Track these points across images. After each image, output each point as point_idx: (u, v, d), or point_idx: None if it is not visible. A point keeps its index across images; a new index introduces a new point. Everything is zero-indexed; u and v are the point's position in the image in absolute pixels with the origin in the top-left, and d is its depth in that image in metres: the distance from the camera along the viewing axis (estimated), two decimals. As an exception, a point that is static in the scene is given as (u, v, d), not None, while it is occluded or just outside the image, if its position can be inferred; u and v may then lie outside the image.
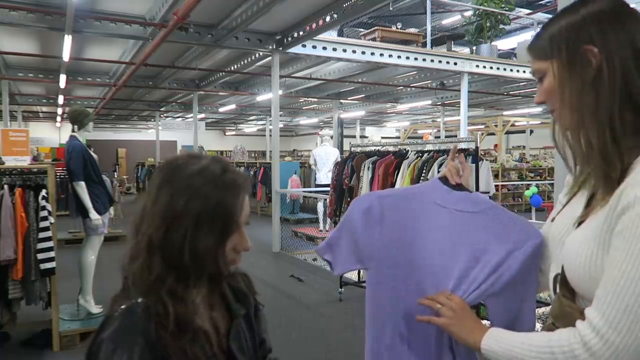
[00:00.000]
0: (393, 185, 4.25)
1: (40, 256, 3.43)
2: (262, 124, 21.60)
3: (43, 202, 3.49)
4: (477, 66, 8.74)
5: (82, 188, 3.98)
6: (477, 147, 3.98)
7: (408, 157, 4.28)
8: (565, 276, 0.94)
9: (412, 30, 9.85)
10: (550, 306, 1.00)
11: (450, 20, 14.66)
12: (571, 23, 0.93)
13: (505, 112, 15.37)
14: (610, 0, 0.92)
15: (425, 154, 4.21)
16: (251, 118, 20.04)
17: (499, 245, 1.08)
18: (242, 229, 0.95)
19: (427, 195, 1.16)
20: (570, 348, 0.84)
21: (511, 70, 9.11)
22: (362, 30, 11.70)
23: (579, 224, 0.94)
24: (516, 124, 15.56)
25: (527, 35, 11.80)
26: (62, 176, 7.92)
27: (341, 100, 13.54)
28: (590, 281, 0.87)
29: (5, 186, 3.46)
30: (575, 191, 1.06)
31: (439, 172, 3.88)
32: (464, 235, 1.10)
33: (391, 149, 4.80)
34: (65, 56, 7.46)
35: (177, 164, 0.94)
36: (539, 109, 14.68)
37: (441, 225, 1.12)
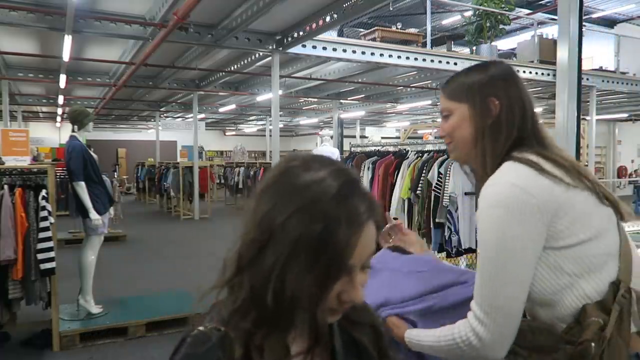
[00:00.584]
0: (393, 185, 4.25)
1: (40, 256, 3.43)
2: (262, 124, 21.58)
3: (43, 202, 3.49)
4: (477, 66, 8.72)
5: (82, 188, 3.98)
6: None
7: (408, 157, 4.28)
8: None
9: (412, 30, 9.84)
10: None
11: (450, 20, 14.66)
12: (481, 78, 1.19)
13: (505, 112, 15.33)
14: (507, 66, 1.23)
15: (425, 154, 4.20)
16: (251, 118, 20.03)
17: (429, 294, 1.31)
18: (355, 274, 0.71)
19: (386, 264, 1.38)
20: (466, 337, 1.06)
21: (511, 70, 9.09)
22: (362, 30, 11.70)
23: None
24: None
25: (527, 35, 11.79)
26: (62, 176, 7.92)
27: (341, 100, 13.52)
28: None
29: (5, 186, 3.46)
30: None
31: (439, 172, 3.88)
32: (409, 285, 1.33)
33: (391, 149, 4.80)
34: (65, 56, 7.46)
35: (290, 166, 0.74)
36: (539, 109, 14.67)
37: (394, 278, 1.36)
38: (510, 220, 1.03)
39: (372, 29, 8.81)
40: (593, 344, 0.97)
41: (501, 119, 1.15)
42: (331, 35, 7.51)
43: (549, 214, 1.04)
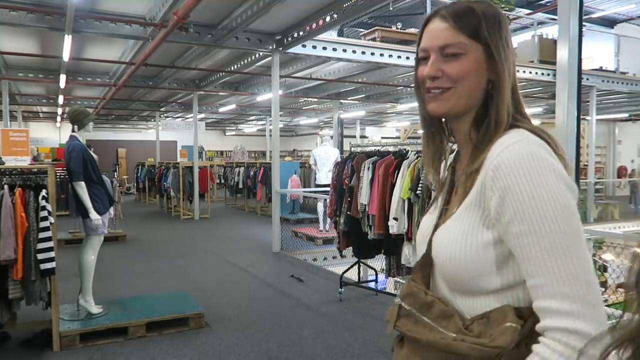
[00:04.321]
0: (393, 185, 4.25)
1: (40, 256, 3.43)
2: (262, 124, 21.59)
3: (43, 202, 3.49)
4: (477, 66, 8.74)
5: (82, 188, 3.98)
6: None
7: (408, 157, 4.27)
8: (421, 263, 0.99)
9: (412, 30, 9.84)
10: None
11: (450, 20, 14.63)
12: (497, 15, 0.94)
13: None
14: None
15: (426, 154, 4.20)
16: (251, 118, 20.03)
17: None
18: None
19: None
20: (570, 348, 0.76)
21: (511, 70, 9.10)
22: (362, 30, 11.70)
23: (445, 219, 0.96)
24: (516, 124, 15.53)
25: (527, 35, 11.78)
26: (62, 176, 7.92)
27: (341, 100, 13.53)
28: (461, 264, 0.88)
29: (6, 186, 3.46)
30: (438, 195, 1.06)
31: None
32: None
33: (391, 149, 4.80)
34: (65, 56, 7.46)
35: None
36: (539, 109, 14.68)
37: None
38: (563, 187, 0.82)
39: (372, 29, 8.82)
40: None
41: (512, 75, 0.94)
42: (331, 35, 7.52)
43: None
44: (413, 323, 0.92)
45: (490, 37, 0.92)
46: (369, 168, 4.58)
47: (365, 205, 4.51)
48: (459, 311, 0.90)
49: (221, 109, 15.66)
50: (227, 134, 27.28)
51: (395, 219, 4.13)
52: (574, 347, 0.75)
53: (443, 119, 1.02)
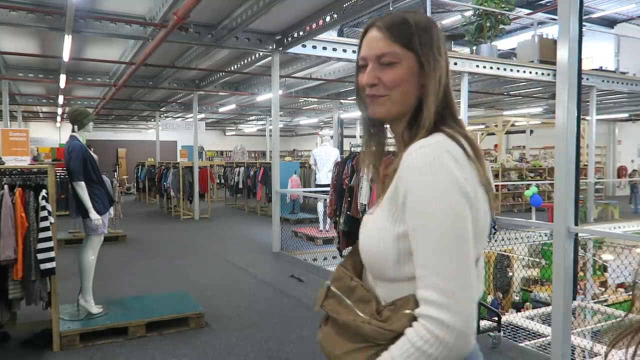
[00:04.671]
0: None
1: (40, 256, 3.43)
2: (262, 124, 21.58)
3: (43, 202, 3.49)
4: (477, 66, 8.74)
5: (82, 188, 3.98)
6: (477, 147, 3.98)
7: (408, 157, 4.27)
8: (352, 251, 1.08)
9: (412, 30, 9.82)
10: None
11: (450, 20, 14.65)
12: (429, 25, 1.02)
13: (505, 112, 15.36)
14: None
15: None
16: (251, 118, 20.03)
17: None
18: None
19: None
20: (430, 334, 0.85)
21: (511, 70, 9.11)
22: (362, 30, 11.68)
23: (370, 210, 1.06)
24: (516, 124, 15.55)
25: (527, 35, 11.79)
26: (62, 176, 7.92)
27: (341, 100, 13.53)
28: (376, 254, 0.97)
29: (6, 186, 3.46)
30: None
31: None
32: None
33: (391, 149, 4.80)
34: (65, 56, 7.46)
35: None
36: (539, 109, 14.68)
37: None
38: (454, 189, 0.89)
39: (372, 29, 8.80)
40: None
41: (443, 81, 1.01)
42: (331, 35, 7.51)
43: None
44: (337, 304, 1.02)
45: (421, 46, 0.99)
46: (369, 168, 4.57)
47: (365, 205, 4.50)
48: (378, 297, 0.98)
49: (221, 109, 15.66)
50: (227, 134, 27.28)
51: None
52: (436, 335, 0.85)
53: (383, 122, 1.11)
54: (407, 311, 0.91)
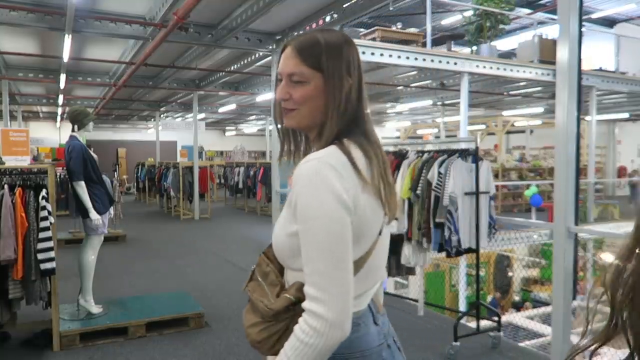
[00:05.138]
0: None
1: (40, 256, 3.43)
2: (262, 124, 21.58)
3: (43, 202, 3.49)
4: (477, 66, 8.73)
5: (82, 188, 3.98)
6: (477, 147, 3.98)
7: (408, 157, 4.27)
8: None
9: (412, 30, 9.83)
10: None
11: (450, 20, 14.65)
12: (338, 47, 1.12)
13: (505, 112, 15.37)
14: (350, 38, 1.16)
15: (425, 154, 4.20)
16: (251, 118, 20.03)
17: None
18: None
19: None
20: (308, 326, 0.98)
21: (511, 70, 9.10)
22: (362, 30, 11.69)
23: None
24: (516, 124, 15.57)
25: (528, 35, 11.78)
26: (62, 176, 7.91)
27: (341, 100, 13.51)
28: (278, 246, 1.13)
29: (6, 186, 3.46)
30: None
31: (439, 172, 3.88)
32: None
33: (391, 149, 4.79)
34: (65, 56, 7.46)
35: None
36: (539, 109, 14.68)
37: None
38: (330, 199, 1.01)
39: (372, 29, 8.79)
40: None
41: (349, 98, 1.11)
42: (331, 35, 7.51)
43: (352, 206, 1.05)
44: (257, 286, 1.17)
45: (328, 67, 1.10)
46: (369, 168, 4.57)
47: (365, 205, 4.50)
48: (285, 282, 1.13)
49: (221, 109, 15.65)
50: (227, 134, 27.27)
51: (395, 218, 4.12)
52: (313, 326, 0.98)
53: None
54: (288, 295, 1.06)
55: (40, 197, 3.50)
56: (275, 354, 1.06)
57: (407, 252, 4.06)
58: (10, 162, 3.81)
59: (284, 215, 1.11)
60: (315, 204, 1.01)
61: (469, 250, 3.93)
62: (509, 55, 12.13)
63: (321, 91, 1.10)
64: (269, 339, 1.08)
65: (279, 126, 1.25)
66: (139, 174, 16.27)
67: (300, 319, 1.01)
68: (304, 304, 1.01)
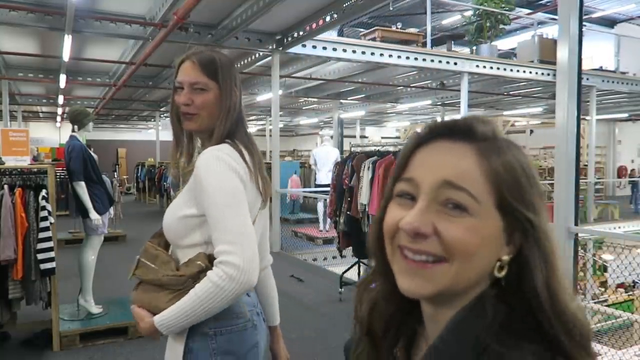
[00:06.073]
0: (393, 185, 4.25)
1: (40, 256, 3.43)
2: (262, 124, 21.58)
3: (43, 202, 3.49)
4: (477, 66, 8.74)
5: (82, 188, 3.98)
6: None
7: (408, 157, 4.27)
8: (160, 228, 1.40)
9: (412, 30, 9.84)
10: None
11: (450, 20, 14.67)
12: (230, 64, 1.38)
13: (505, 112, 15.36)
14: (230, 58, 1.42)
15: (425, 154, 4.20)
16: (251, 118, 20.03)
17: None
18: None
19: None
20: (223, 272, 1.17)
21: (511, 70, 9.11)
22: (362, 30, 11.70)
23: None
24: (516, 124, 15.55)
25: (527, 35, 11.79)
26: (62, 176, 7.91)
27: (341, 100, 13.53)
28: (172, 228, 1.33)
29: (5, 186, 3.46)
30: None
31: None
32: None
33: (391, 149, 4.80)
34: (65, 56, 7.46)
35: None
36: (539, 109, 14.68)
37: None
38: (231, 174, 1.26)
39: (372, 29, 8.81)
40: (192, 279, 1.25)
41: (236, 106, 1.36)
42: (331, 35, 7.51)
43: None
44: (145, 270, 1.35)
45: (223, 80, 1.34)
46: (369, 168, 4.58)
47: (365, 205, 4.51)
48: (176, 259, 1.33)
49: (221, 109, 15.63)
50: (227, 134, 27.25)
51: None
52: (229, 273, 1.17)
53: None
54: (199, 262, 1.26)
55: (40, 197, 3.50)
56: None
57: (407, 252, 4.06)
58: (10, 162, 3.81)
59: (181, 200, 1.33)
60: (218, 179, 1.24)
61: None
62: (509, 55, 12.13)
63: (218, 99, 1.33)
64: None
65: (175, 129, 1.43)
66: (139, 174, 16.27)
67: (216, 268, 1.19)
68: (219, 259, 1.20)
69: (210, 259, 1.26)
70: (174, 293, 1.26)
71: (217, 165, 1.25)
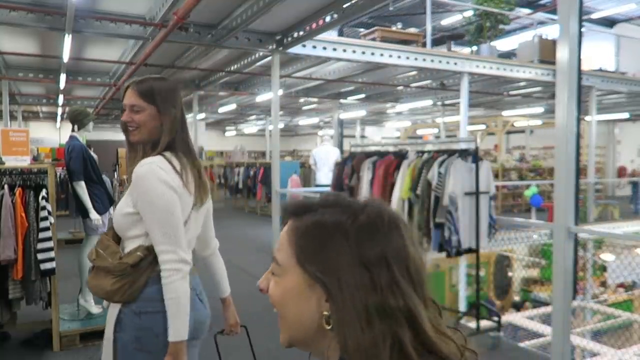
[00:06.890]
0: (393, 185, 4.25)
1: (40, 256, 3.43)
2: (262, 124, 21.58)
3: (43, 202, 3.49)
4: (477, 66, 8.74)
5: (82, 188, 3.98)
6: (477, 147, 3.98)
7: (408, 157, 4.28)
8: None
9: (412, 30, 9.84)
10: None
11: (450, 20, 14.67)
12: (168, 88, 1.69)
13: (505, 112, 15.36)
14: (177, 83, 1.81)
15: (425, 154, 4.21)
16: (251, 118, 20.03)
17: None
18: None
19: None
20: (167, 270, 1.54)
21: (511, 70, 9.11)
22: (362, 30, 11.69)
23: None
24: (516, 124, 15.57)
25: (528, 35, 11.79)
26: (62, 176, 7.91)
27: (341, 100, 13.52)
28: (118, 222, 1.64)
29: (6, 186, 3.46)
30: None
31: (439, 172, 3.88)
32: None
33: (391, 149, 4.80)
34: (65, 56, 7.46)
35: None
36: (539, 109, 14.68)
37: None
38: (160, 185, 1.55)
39: (372, 29, 8.80)
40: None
41: (175, 123, 1.66)
42: (331, 35, 7.51)
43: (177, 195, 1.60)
44: (99, 258, 1.63)
45: (161, 102, 1.65)
46: (369, 168, 4.58)
47: (365, 205, 4.49)
48: (123, 249, 1.63)
49: (221, 109, 15.65)
50: (227, 134, 27.27)
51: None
52: (175, 268, 1.55)
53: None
54: (138, 253, 1.58)
55: (40, 197, 3.50)
56: (126, 300, 1.61)
57: (407, 252, 4.06)
58: (10, 162, 3.81)
59: (124, 200, 1.62)
60: (153, 191, 1.54)
61: (469, 251, 3.94)
62: (509, 55, 12.13)
63: (154, 117, 1.64)
64: (122, 288, 1.58)
65: (126, 140, 1.72)
66: (139, 174, 16.24)
67: (164, 270, 1.54)
68: (161, 258, 1.55)
69: (149, 249, 1.59)
70: (116, 277, 1.58)
71: (150, 179, 1.55)
